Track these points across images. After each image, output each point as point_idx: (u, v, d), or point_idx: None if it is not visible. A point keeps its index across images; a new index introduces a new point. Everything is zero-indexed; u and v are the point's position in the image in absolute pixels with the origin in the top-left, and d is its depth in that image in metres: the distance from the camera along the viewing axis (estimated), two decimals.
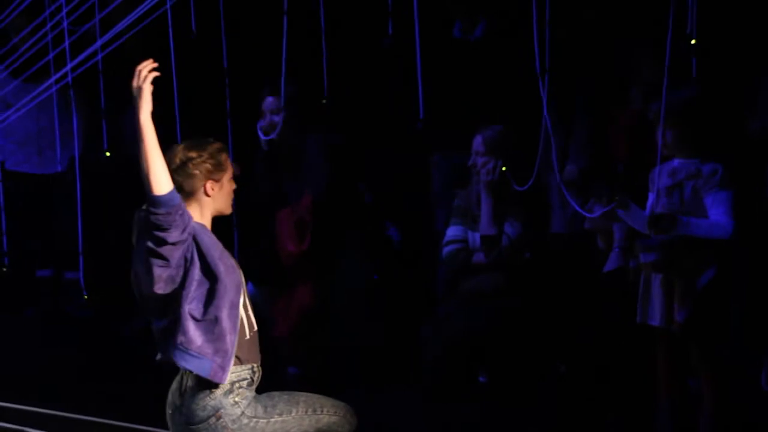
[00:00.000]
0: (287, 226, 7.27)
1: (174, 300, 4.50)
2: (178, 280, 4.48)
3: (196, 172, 4.59)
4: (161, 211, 4.36)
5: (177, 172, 4.56)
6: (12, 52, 7.61)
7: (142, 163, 4.36)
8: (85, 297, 7.20)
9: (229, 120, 7.09)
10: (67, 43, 6.87)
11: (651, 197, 5.89)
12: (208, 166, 4.59)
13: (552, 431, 6.32)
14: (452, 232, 6.88)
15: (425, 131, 6.63)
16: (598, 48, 6.78)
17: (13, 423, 6.60)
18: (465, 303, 6.76)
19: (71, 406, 6.68)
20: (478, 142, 6.76)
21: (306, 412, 4.67)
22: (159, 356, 4.64)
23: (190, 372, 4.55)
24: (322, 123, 7.28)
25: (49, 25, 6.95)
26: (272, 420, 4.60)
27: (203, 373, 4.50)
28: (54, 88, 7.15)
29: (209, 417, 4.52)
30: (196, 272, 4.49)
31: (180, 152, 4.60)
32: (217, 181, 4.63)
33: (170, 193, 4.38)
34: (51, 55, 7.09)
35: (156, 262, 4.46)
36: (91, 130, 8.02)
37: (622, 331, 6.13)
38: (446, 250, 6.87)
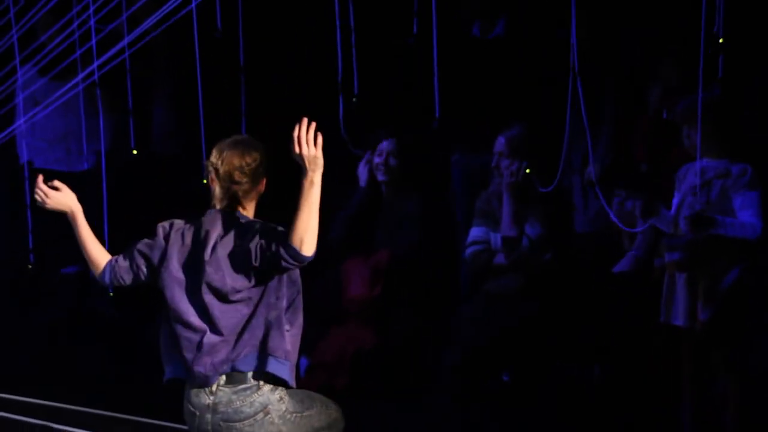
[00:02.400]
0: (358, 274, 7.03)
1: (248, 310, 4.58)
2: (254, 290, 4.59)
3: (262, 170, 4.68)
4: (297, 264, 4.50)
5: (256, 172, 4.62)
6: (39, 50, 7.64)
7: (301, 223, 4.42)
8: (111, 294, 7.22)
9: (244, 118, 7.10)
10: (94, 41, 6.91)
11: (677, 196, 5.89)
12: (265, 164, 4.69)
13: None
14: (475, 233, 6.86)
15: (443, 130, 6.62)
16: (619, 48, 6.77)
17: (39, 419, 6.64)
18: (486, 304, 6.76)
19: (97, 402, 6.71)
20: (501, 143, 6.71)
21: (322, 407, 4.79)
22: (171, 375, 4.67)
23: (229, 372, 4.59)
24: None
25: (76, 24, 6.98)
26: (304, 414, 4.71)
27: (287, 378, 4.60)
28: (81, 86, 7.18)
29: (257, 413, 4.59)
30: (285, 287, 4.59)
31: (257, 153, 4.65)
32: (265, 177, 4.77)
33: (314, 254, 4.49)
34: (78, 53, 7.12)
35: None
36: (118, 128, 8.05)
37: (645, 330, 6.14)
38: (469, 251, 6.86)
